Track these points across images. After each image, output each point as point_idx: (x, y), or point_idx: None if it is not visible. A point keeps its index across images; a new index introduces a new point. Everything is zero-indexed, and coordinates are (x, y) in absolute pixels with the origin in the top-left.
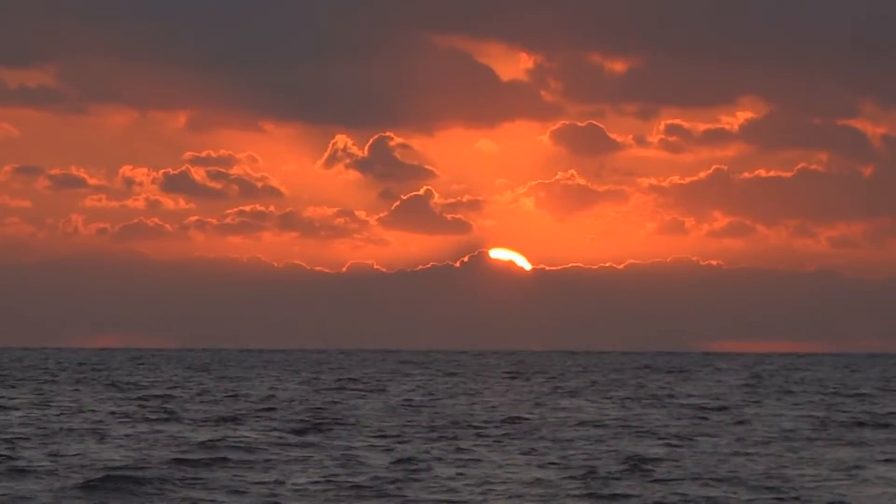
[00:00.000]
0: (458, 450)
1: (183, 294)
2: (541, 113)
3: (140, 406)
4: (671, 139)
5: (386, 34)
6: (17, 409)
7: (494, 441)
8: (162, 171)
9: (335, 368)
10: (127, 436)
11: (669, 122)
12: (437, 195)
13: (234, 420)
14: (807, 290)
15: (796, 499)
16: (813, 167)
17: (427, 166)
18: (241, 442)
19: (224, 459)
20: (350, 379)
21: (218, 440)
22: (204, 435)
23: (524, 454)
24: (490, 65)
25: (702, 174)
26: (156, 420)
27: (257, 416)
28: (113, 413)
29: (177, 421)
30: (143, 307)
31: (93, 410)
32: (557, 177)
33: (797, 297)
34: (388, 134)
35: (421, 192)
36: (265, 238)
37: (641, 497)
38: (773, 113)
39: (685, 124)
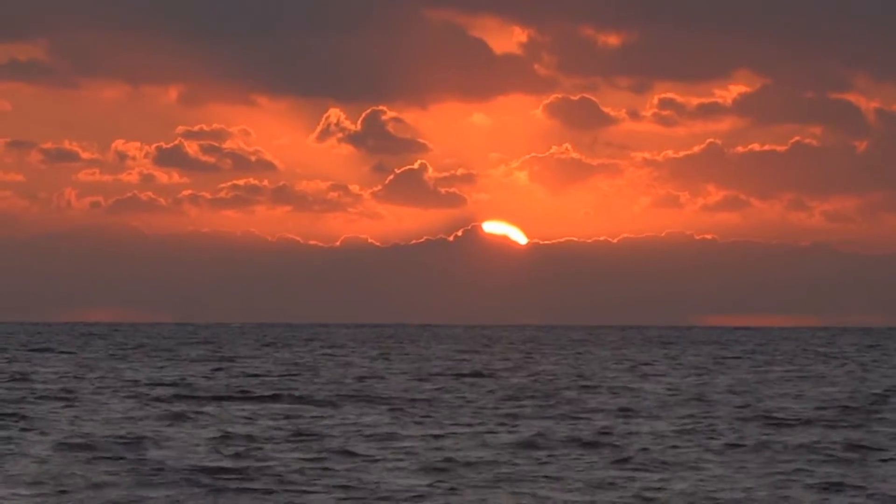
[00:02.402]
0: None
1: (177, 268)
2: (534, 86)
3: None
4: (665, 113)
5: (379, 7)
6: None
7: None
8: (155, 146)
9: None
10: None
11: (663, 95)
12: (430, 169)
13: None
14: (801, 264)
15: None
16: (807, 141)
17: (420, 140)
18: None
19: None
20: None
21: None
22: None
23: None
24: (483, 38)
25: (696, 148)
26: None
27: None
28: None
29: None
30: (136, 281)
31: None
32: (551, 150)
33: (791, 271)
34: (380, 108)
35: (415, 165)
36: (259, 212)
37: None
38: (766, 87)
39: (679, 98)
